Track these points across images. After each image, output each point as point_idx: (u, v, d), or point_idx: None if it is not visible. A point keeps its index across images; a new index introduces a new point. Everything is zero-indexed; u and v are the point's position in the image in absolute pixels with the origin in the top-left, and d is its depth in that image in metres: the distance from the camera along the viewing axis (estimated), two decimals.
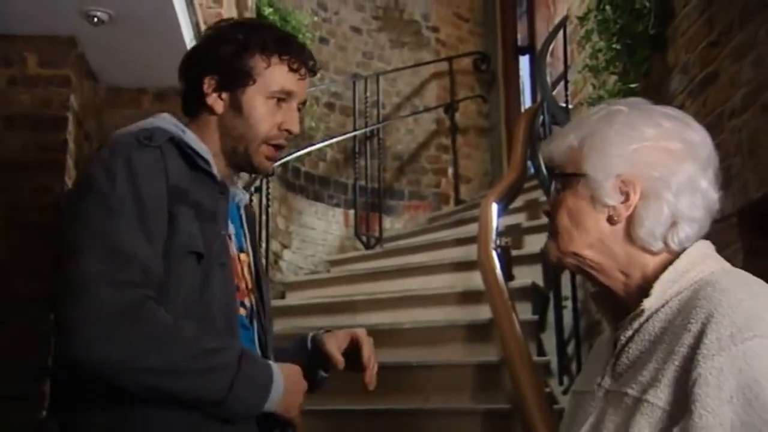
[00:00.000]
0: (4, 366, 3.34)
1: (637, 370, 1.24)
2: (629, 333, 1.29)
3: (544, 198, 4.79)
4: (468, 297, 4.61)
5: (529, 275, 4.62)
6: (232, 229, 1.69)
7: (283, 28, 6.31)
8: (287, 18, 6.37)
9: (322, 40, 7.36)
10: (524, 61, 7.99)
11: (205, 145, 1.64)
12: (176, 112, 4.29)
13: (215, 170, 1.64)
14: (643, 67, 3.68)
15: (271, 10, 6.22)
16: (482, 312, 4.26)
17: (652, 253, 1.30)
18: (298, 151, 6.03)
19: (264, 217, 4.84)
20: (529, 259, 4.73)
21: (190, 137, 1.63)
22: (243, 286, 1.69)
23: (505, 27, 8.17)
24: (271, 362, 1.59)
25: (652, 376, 1.20)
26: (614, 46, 3.79)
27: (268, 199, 4.94)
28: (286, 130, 1.67)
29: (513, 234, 5.04)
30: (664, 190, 1.28)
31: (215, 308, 1.56)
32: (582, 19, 4.29)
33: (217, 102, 1.66)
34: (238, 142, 1.66)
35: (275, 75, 1.65)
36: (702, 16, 3.21)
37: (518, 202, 5.25)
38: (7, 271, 3.47)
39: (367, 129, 6.84)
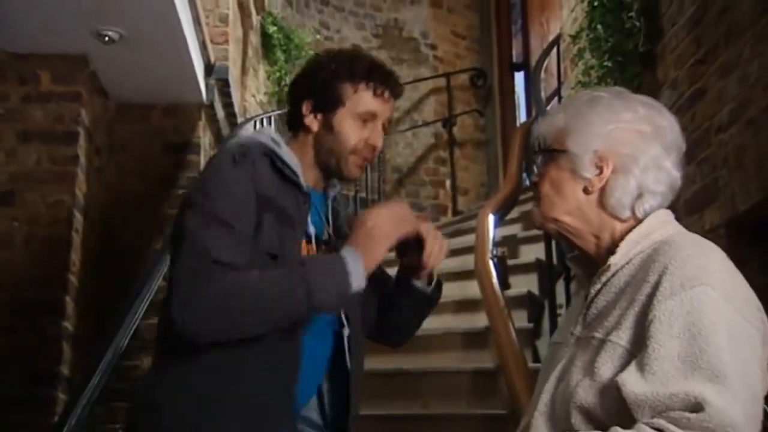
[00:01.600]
0: (15, 370, 3.35)
1: (604, 317, 1.39)
2: (598, 287, 1.43)
3: None
4: (465, 305, 4.61)
5: (524, 284, 4.63)
6: (312, 230, 1.83)
7: (286, 46, 6.40)
8: (290, 36, 6.40)
9: None
10: (519, 77, 8.01)
11: (296, 159, 1.81)
12: (181, 125, 4.30)
13: (302, 180, 1.79)
14: (633, 84, 3.70)
15: (275, 28, 6.25)
16: (479, 320, 4.27)
17: (621, 220, 1.46)
18: None
19: None
20: (525, 269, 4.73)
21: (284, 151, 1.80)
22: None
23: (501, 44, 8.21)
24: (341, 251, 1.69)
25: (615, 321, 1.35)
26: (606, 63, 3.81)
27: None
28: (371, 145, 1.85)
29: (509, 244, 5.05)
30: (633, 166, 1.44)
31: None
32: (575, 38, 4.32)
33: (313, 122, 1.84)
34: (330, 155, 1.84)
35: (362, 99, 1.83)
36: (689, 35, 3.23)
37: (514, 213, 5.26)
38: (22, 280, 3.49)
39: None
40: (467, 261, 4.65)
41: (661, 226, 1.44)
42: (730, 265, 1.36)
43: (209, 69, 4.29)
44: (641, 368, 1.25)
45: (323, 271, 1.64)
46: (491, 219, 4.40)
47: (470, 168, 7.92)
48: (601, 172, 1.45)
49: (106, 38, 3.57)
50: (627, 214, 1.45)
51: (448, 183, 7.72)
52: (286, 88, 6.35)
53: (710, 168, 3.05)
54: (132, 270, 3.88)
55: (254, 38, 5.93)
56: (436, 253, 1.83)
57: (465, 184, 7.81)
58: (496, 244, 4.37)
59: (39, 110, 3.69)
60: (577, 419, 1.32)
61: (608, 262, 1.42)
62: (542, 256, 4.15)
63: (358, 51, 2.10)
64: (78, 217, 3.66)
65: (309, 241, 1.83)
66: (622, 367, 1.29)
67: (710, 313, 1.25)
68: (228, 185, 1.69)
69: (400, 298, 1.93)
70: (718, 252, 1.37)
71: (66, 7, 3.35)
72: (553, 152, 1.51)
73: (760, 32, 2.69)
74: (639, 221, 1.45)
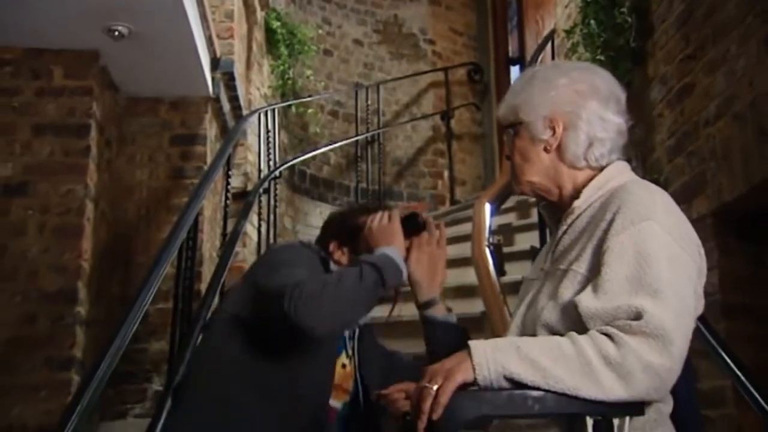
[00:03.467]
0: (33, 357, 3.36)
1: (568, 252, 1.55)
2: (564, 228, 1.60)
3: (533, 199, 4.81)
4: (462, 291, 4.62)
5: (519, 271, 4.63)
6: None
7: (290, 41, 6.40)
8: (294, 32, 6.40)
9: (327, 52, 7.39)
10: (515, 72, 8.00)
11: None
12: (188, 118, 4.34)
13: None
14: (625, 78, 3.70)
15: (278, 24, 6.25)
16: (475, 305, 4.28)
17: (578, 169, 1.62)
18: (304, 155, 6.05)
19: (272, 217, 4.87)
20: (520, 256, 4.74)
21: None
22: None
23: (497, 40, 8.20)
24: (375, 254, 1.93)
25: (577, 254, 1.51)
26: (598, 57, 3.81)
27: (275, 201, 4.96)
28: None
29: (505, 232, 5.06)
30: (578, 121, 1.60)
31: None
32: (568, 33, 4.32)
33: (341, 257, 2.11)
34: None
35: None
36: (679, 32, 3.23)
37: (509, 202, 5.25)
38: (36, 269, 3.50)
39: (369, 135, 6.86)
40: (464, 249, 4.65)
41: (618, 174, 1.60)
42: (673, 206, 1.52)
43: (215, 63, 4.29)
44: (595, 289, 1.41)
45: (377, 257, 1.88)
46: (488, 208, 4.40)
47: (467, 160, 7.92)
48: (554, 132, 1.61)
49: (116, 34, 3.57)
50: (582, 163, 1.62)
51: (446, 174, 7.72)
52: (289, 82, 6.36)
53: (698, 160, 3.06)
54: (140, 257, 3.91)
55: (258, 34, 5.92)
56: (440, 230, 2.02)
57: (462, 175, 7.81)
58: (492, 233, 4.38)
59: (52, 104, 3.69)
60: (542, 334, 1.47)
61: (572, 206, 1.59)
62: (537, 243, 4.15)
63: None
64: (89, 207, 3.66)
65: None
66: (581, 290, 1.45)
67: (654, 243, 1.41)
68: (304, 254, 2.04)
69: (436, 340, 1.98)
70: (664, 195, 1.53)
71: (78, 4, 3.35)
72: (513, 126, 1.67)
73: (745, 30, 2.70)
74: (595, 169, 1.62)
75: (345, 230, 2.12)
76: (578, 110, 1.60)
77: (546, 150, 1.63)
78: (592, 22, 3.86)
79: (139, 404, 3.90)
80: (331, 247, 2.12)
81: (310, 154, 6.23)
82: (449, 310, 2.00)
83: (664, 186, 3.30)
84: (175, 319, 2.92)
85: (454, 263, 4.97)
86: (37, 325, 3.41)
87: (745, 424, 2.70)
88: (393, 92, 7.69)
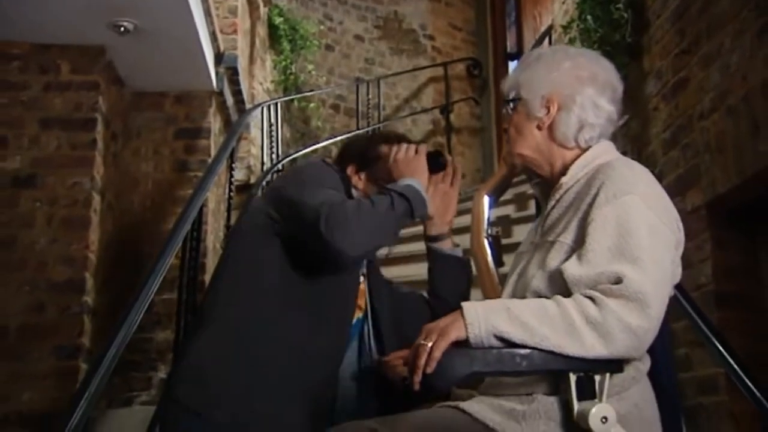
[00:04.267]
0: (42, 345, 3.38)
1: (556, 225, 1.62)
2: (552, 203, 1.67)
3: (531, 191, 4.82)
4: None
5: None
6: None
7: (292, 36, 6.39)
8: (296, 27, 6.39)
9: (328, 48, 7.38)
10: (513, 67, 7.99)
11: None
12: (193, 112, 4.35)
13: None
14: (621, 73, 3.67)
15: (281, 19, 6.24)
16: (474, 295, 4.28)
17: (568, 149, 1.69)
18: (306, 148, 6.06)
19: None
20: (518, 247, 4.75)
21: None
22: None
23: (496, 36, 8.19)
24: (402, 185, 1.92)
25: (564, 226, 1.58)
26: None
27: None
28: None
29: (503, 224, 5.06)
30: (572, 104, 1.66)
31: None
32: (566, 28, 4.31)
33: (358, 182, 2.08)
34: None
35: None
36: (674, 27, 3.23)
37: (508, 195, 5.24)
38: (45, 259, 3.50)
39: (369, 129, 6.86)
40: (464, 240, 4.65)
41: (604, 153, 1.66)
42: (654, 182, 1.58)
43: (219, 58, 4.29)
44: (579, 257, 1.49)
45: (404, 187, 1.87)
46: (486, 200, 4.38)
47: (466, 153, 7.93)
48: (548, 112, 1.68)
49: (122, 29, 3.57)
50: (572, 143, 1.68)
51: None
52: (291, 77, 6.36)
53: (693, 153, 3.06)
54: (146, 248, 3.92)
55: (261, 29, 5.92)
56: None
57: (462, 169, 7.78)
58: (490, 224, 4.38)
59: (59, 98, 3.69)
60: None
61: (560, 182, 1.66)
62: None
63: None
64: (96, 199, 3.67)
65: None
66: (567, 259, 1.52)
67: (634, 215, 1.48)
68: (329, 173, 1.97)
69: (440, 272, 2.13)
70: (645, 171, 1.59)
71: (84, 0, 3.35)
72: (513, 101, 1.74)
73: (739, 25, 2.70)
74: (584, 149, 1.68)
75: (364, 156, 2.09)
76: (574, 94, 1.66)
77: (539, 127, 1.70)
78: (589, 17, 3.86)
79: (145, 392, 3.91)
80: (349, 171, 2.09)
81: (312, 148, 6.23)
82: (456, 245, 2.09)
83: (659, 178, 3.31)
84: (180, 309, 2.94)
85: None
86: (46, 315, 3.42)
87: (738, 410, 2.71)
88: (393, 87, 7.68)
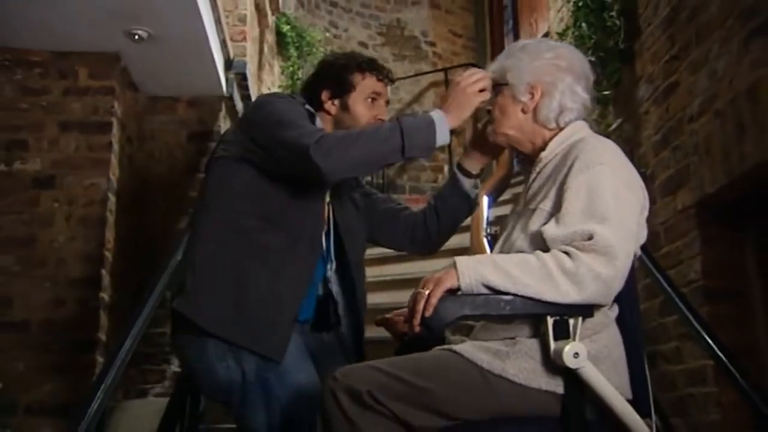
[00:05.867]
0: (62, 339, 3.39)
1: (537, 195, 1.75)
2: (534, 175, 1.80)
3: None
4: None
5: None
6: None
7: (299, 43, 6.39)
8: (303, 35, 6.39)
9: None
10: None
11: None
12: (204, 115, 4.36)
13: None
14: (614, 77, 3.71)
15: (288, 27, 6.24)
16: None
17: (549, 129, 1.82)
18: None
19: None
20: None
21: (317, 119, 2.08)
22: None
23: (494, 42, 8.18)
24: (427, 112, 1.94)
25: (544, 195, 1.72)
26: (589, 58, 3.77)
27: None
28: (380, 119, 2.09)
29: (501, 223, 5.06)
30: (554, 91, 1.79)
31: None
32: (561, 35, 4.31)
33: (331, 107, 2.09)
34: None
35: (369, 84, 2.10)
36: (664, 34, 3.23)
37: (506, 195, 5.27)
38: (64, 257, 3.52)
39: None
40: (464, 239, 4.66)
41: (579, 131, 1.80)
42: (621, 154, 1.72)
43: (229, 64, 4.30)
44: (557, 220, 1.63)
45: (415, 124, 1.87)
46: (485, 200, 4.42)
47: None
48: (533, 97, 1.80)
49: (137, 37, 3.58)
50: (553, 125, 1.81)
51: (446, 168, 7.72)
52: (298, 82, 6.36)
53: (682, 154, 3.06)
54: (159, 246, 3.93)
55: (270, 36, 5.93)
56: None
57: None
58: (489, 223, 4.39)
59: (77, 103, 3.71)
60: None
61: (540, 157, 1.80)
62: None
63: (357, 52, 2.28)
64: (112, 199, 3.68)
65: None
66: (546, 223, 1.65)
67: (604, 183, 1.62)
68: (294, 106, 1.99)
69: (447, 200, 2.16)
70: (614, 146, 1.74)
71: (101, 10, 3.37)
72: (500, 86, 1.85)
73: (726, 32, 2.70)
74: (561, 129, 1.80)
75: (340, 84, 2.08)
76: (556, 81, 1.79)
77: (523, 111, 1.82)
78: (584, 24, 3.86)
79: (159, 384, 3.93)
80: (323, 96, 2.09)
81: None
82: (476, 186, 2.15)
83: (651, 178, 3.31)
84: None
85: (453, 252, 4.96)
86: (65, 310, 3.44)
87: (725, 400, 2.72)
88: (396, 91, 7.68)
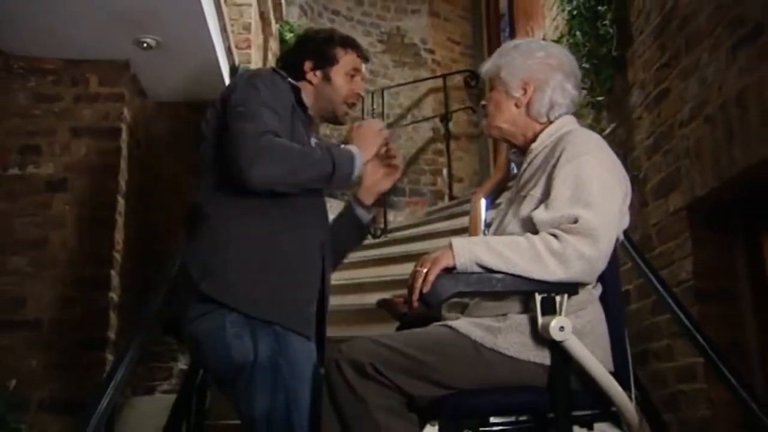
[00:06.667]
0: (72, 337, 3.40)
1: (528, 183, 1.84)
2: (525, 165, 1.89)
3: None
4: None
5: None
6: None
7: None
8: None
9: None
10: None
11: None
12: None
13: (310, 111, 2.12)
14: (607, 84, 3.71)
15: (291, 35, 6.26)
16: None
17: (540, 123, 1.90)
18: None
19: None
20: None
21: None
22: None
23: (491, 50, 8.17)
24: (346, 146, 2.01)
25: (534, 183, 1.80)
26: (584, 65, 3.81)
27: None
28: (357, 93, 2.16)
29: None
30: (546, 87, 1.88)
31: None
32: (556, 42, 4.32)
33: (313, 77, 2.12)
34: (328, 102, 2.13)
35: (351, 59, 2.14)
36: (655, 42, 3.25)
37: (503, 197, 5.28)
38: (74, 258, 3.53)
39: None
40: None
41: (567, 124, 1.88)
42: (606, 146, 1.82)
43: (234, 71, 4.30)
44: (546, 206, 1.71)
45: (342, 155, 1.95)
46: (483, 203, 4.43)
47: (464, 158, 7.92)
48: (525, 92, 1.89)
49: (145, 45, 3.60)
50: (544, 119, 1.89)
51: (444, 171, 7.72)
52: None
53: (674, 158, 3.07)
54: (167, 247, 3.94)
55: (273, 44, 5.94)
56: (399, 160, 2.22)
57: (460, 173, 7.81)
58: (487, 225, 4.40)
59: (88, 109, 3.73)
60: None
61: (531, 148, 1.89)
62: None
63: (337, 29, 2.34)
64: (121, 202, 3.70)
65: None
66: (536, 208, 1.73)
67: (589, 172, 1.71)
68: (273, 84, 1.97)
69: (342, 222, 2.24)
70: (599, 138, 1.84)
71: (111, 19, 3.39)
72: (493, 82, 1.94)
73: (714, 41, 2.71)
74: (550, 122, 1.89)
75: (323, 56, 2.12)
76: (548, 79, 1.88)
77: (517, 105, 1.90)
78: (578, 33, 3.87)
79: (166, 381, 3.94)
80: (306, 66, 2.12)
81: None
82: (369, 211, 2.24)
83: (644, 181, 3.32)
84: None
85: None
86: (76, 309, 3.45)
87: (715, 397, 2.73)
88: (396, 97, 7.70)
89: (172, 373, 3.95)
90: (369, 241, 6.49)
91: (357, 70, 2.15)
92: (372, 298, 4.83)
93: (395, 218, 7.22)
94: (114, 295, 3.55)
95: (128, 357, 2.20)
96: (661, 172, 3.18)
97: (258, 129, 1.84)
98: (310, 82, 2.12)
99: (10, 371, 3.22)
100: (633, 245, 2.70)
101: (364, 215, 2.24)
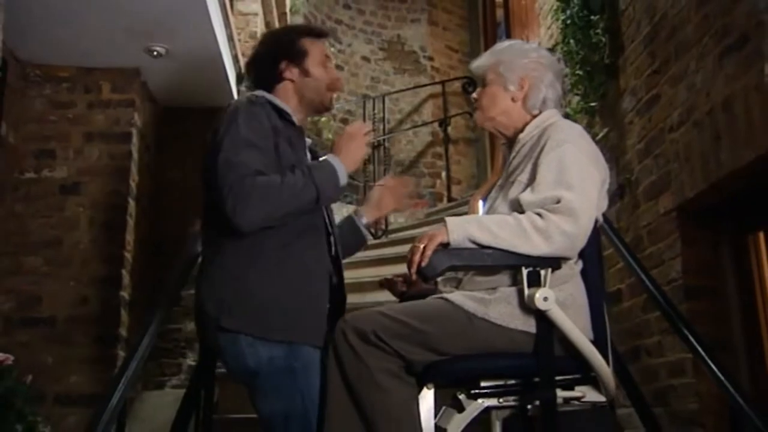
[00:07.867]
0: (86, 334, 3.42)
1: (516, 170, 1.93)
2: (513, 154, 1.98)
3: None
4: None
5: None
6: (308, 156, 2.09)
7: None
8: None
9: (338, 68, 7.40)
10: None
11: (286, 105, 2.04)
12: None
13: (295, 120, 2.05)
14: (600, 90, 3.71)
15: None
16: None
17: (532, 115, 2.00)
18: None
19: None
20: None
21: (276, 101, 2.04)
22: None
23: None
24: (325, 157, 1.97)
25: (521, 170, 1.90)
26: (577, 72, 3.81)
27: None
28: (337, 78, 2.13)
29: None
30: (540, 84, 1.99)
31: None
32: (550, 51, 4.31)
33: (292, 75, 2.06)
34: (314, 94, 2.08)
35: (318, 47, 2.10)
36: (646, 50, 3.25)
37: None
38: (87, 258, 3.55)
39: (375, 140, 6.87)
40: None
41: (551, 117, 1.98)
42: (586, 136, 1.93)
43: (240, 78, 4.33)
44: (532, 189, 1.81)
45: (324, 173, 1.89)
46: (481, 204, 4.43)
47: (462, 162, 7.93)
48: (521, 88, 1.99)
49: (155, 53, 3.62)
50: (536, 111, 1.99)
51: (443, 174, 7.72)
52: None
53: (664, 161, 3.08)
54: (175, 248, 3.95)
55: None
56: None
57: (458, 176, 7.81)
58: None
59: (100, 115, 3.76)
60: None
61: (518, 138, 1.98)
62: None
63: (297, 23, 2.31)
64: (131, 204, 3.71)
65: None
66: (522, 192, 1.83)
67: (570, 158, 1.82)
68: (251, 117, 1.90)
69: (344, 232, 2.24)
70: (580, 128, 1.96)
71: (123, 29, 3.41)
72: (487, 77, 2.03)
73: (702, 49, 2.72)
74: (537, 115, 1.99)
75: (293, 52, 2.06)
76: (542, 76, 1.99)
77: (513, 99, 1.99)
78: (572, 41, 3.87)
79: (176, 376, 3.95)
80: (282, 65, 2.06)
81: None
82: (369, 228, 2.32)
83: (636, 184, 3.33)
84: None
85: None
86: (89, 307, 3.48)
87: (703, 390, 2.74)
88: (397, 102, 7.71)
89: (181, 369, 3.96)
90: (369, 241, 6.49)
91: (327, 56, 2.12)
92: (373, 297, 4.85)
93: (395, 219, 7.22)
94: (125, 294, 3.56)
95: (139, 353, 2.21)
96: (652, 175, 3.19)
97: (238, 174, 1.80)
98: (291, 81, 2.06)
99: (27, 366, 3.24)
100: (625, 245, 2.71)
101: (363, 226, 2.31)
